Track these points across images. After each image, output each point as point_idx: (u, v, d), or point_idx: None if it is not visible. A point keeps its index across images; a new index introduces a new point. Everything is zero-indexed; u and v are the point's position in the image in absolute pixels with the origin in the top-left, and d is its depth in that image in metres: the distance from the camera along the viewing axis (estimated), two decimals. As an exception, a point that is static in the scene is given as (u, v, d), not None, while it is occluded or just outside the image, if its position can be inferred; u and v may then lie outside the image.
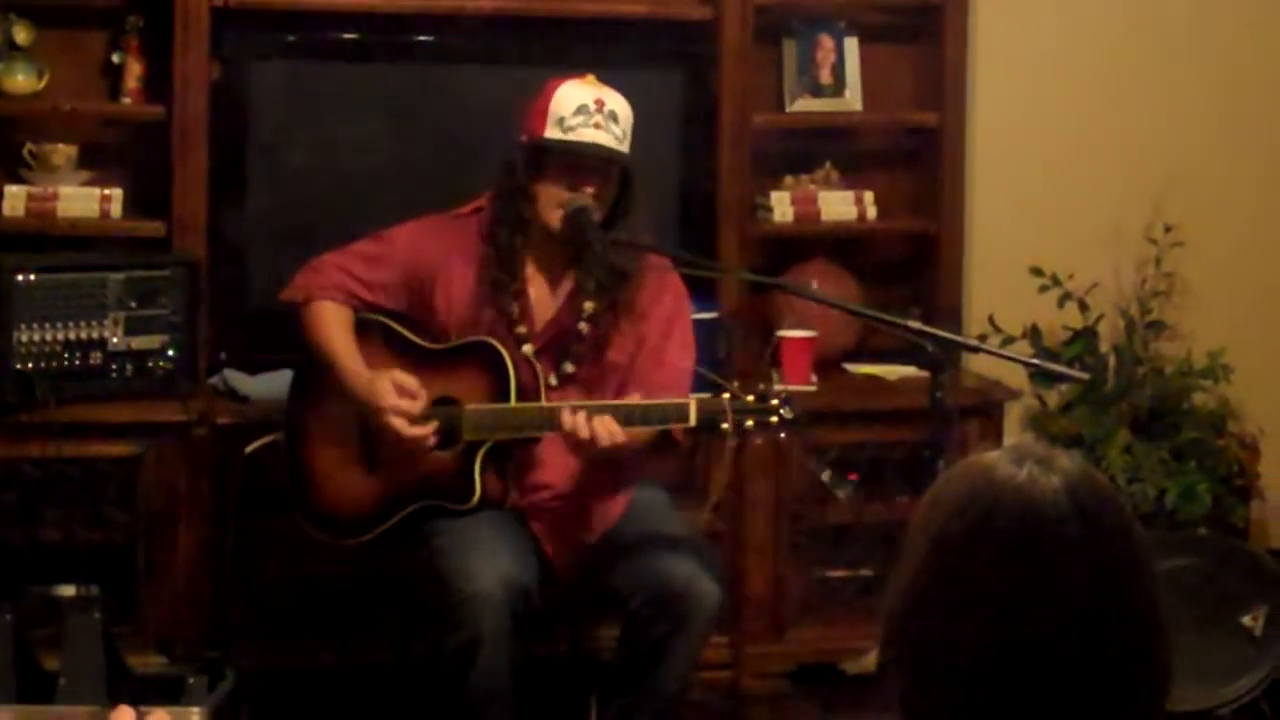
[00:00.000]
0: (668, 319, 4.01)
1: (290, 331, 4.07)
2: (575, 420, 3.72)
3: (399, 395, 3.88)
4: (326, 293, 4.01)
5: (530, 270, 3.99)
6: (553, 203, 3.89)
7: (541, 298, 4.00)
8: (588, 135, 3.86)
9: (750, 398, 3.70)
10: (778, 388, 3.75)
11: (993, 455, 1.63)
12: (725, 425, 3.69)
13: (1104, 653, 1.56)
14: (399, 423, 3.87)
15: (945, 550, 1.58)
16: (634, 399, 3.80)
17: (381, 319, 4.03)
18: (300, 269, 4.07)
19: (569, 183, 3.88)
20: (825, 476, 4.24)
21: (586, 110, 3.87)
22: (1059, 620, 1.55)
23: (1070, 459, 1.62)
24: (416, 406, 3.88)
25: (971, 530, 1.57)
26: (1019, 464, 1.60)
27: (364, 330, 4.03)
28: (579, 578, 4.00)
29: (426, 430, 3.89)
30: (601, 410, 3.76)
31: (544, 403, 3.90)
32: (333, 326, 3.99)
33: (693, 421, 3.72)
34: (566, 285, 4.01)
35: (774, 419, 3.70)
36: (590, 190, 3.88)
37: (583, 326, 3.97)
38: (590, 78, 3.94)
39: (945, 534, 1.59)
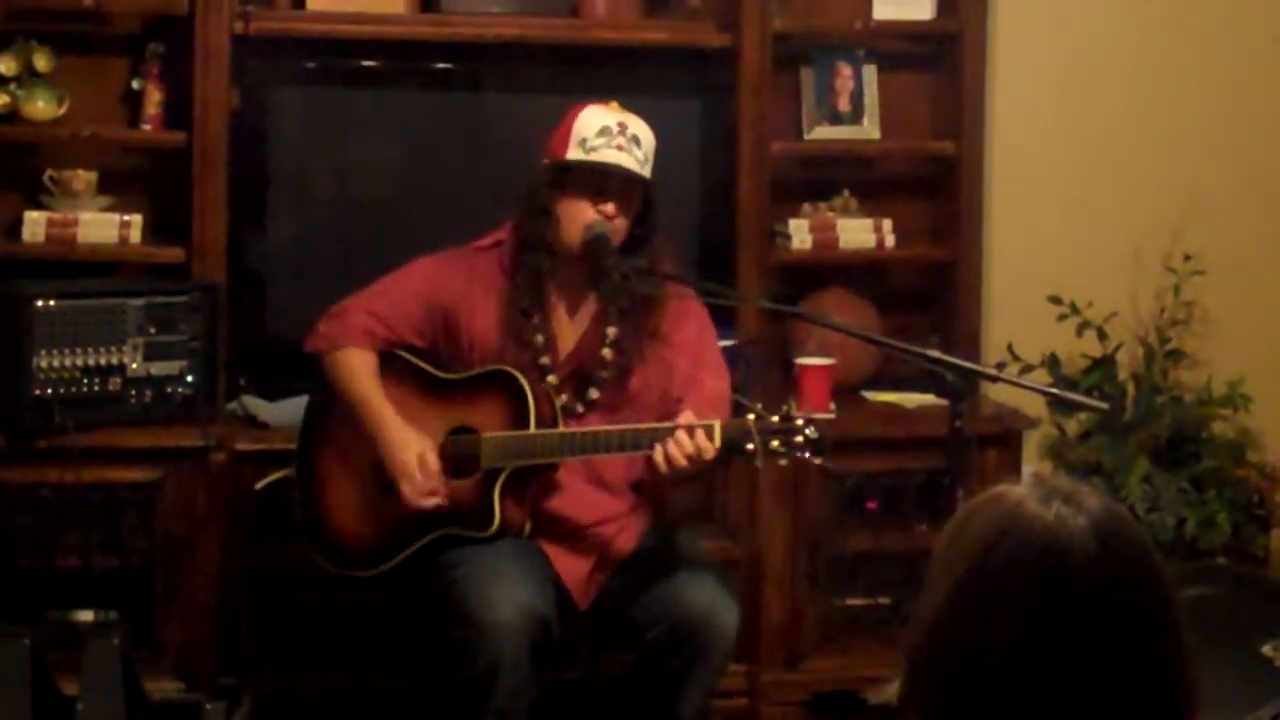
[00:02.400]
0: (695, 344, 4.00)
1: (308, 359, 4.07)
2: (681, 445, 3.69)
3: (421, 471, 3.90)
4: (351, 339, 4.01)
5: (552, 297, 3.99)
6: (574, 222, 3.90)
7: (563, 326, 4.00)
8: (610, 156, 3.88)
9: (775, 419, 3.69)
10: (803, 410, 3.73)
11: (1019, 491, 1.62)
12: (751, 446, 3.68)
13: (1128, 694, 1.55)
14: (408, 492, 3.91)
15: (971, 589, 1.58)
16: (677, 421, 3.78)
17: (400, 353, 4.03)
18: (323, 318, 4.06)
19: (590, 201, 3.89)
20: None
21: (609, 132, 3.88)
22: (1084, 661, 1.54)
23: (1096, 497, 1.61)
24: (432, 484, 3.92)
25: (998, 571, 1.57)
26: (1046, 502, 1.59)
27: (383, 364, 4.03)
28: (597, 607, 3.99)
29: (436, 503, 3.92)
30: (624, 434, 3.78)
31: (562, 428, 3.91)
32: (359, 373, 3.99)
33: (717, 443, 3.71)
34: (587, 312, 4.01)
35: (799, 439, 3.69)
36: (611, 209, 3.88)
37: (606, 353, 3.97)
38: (614, 104, 3.96)
39: (971, 572, 1.58)
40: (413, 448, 3.92)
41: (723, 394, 3.97)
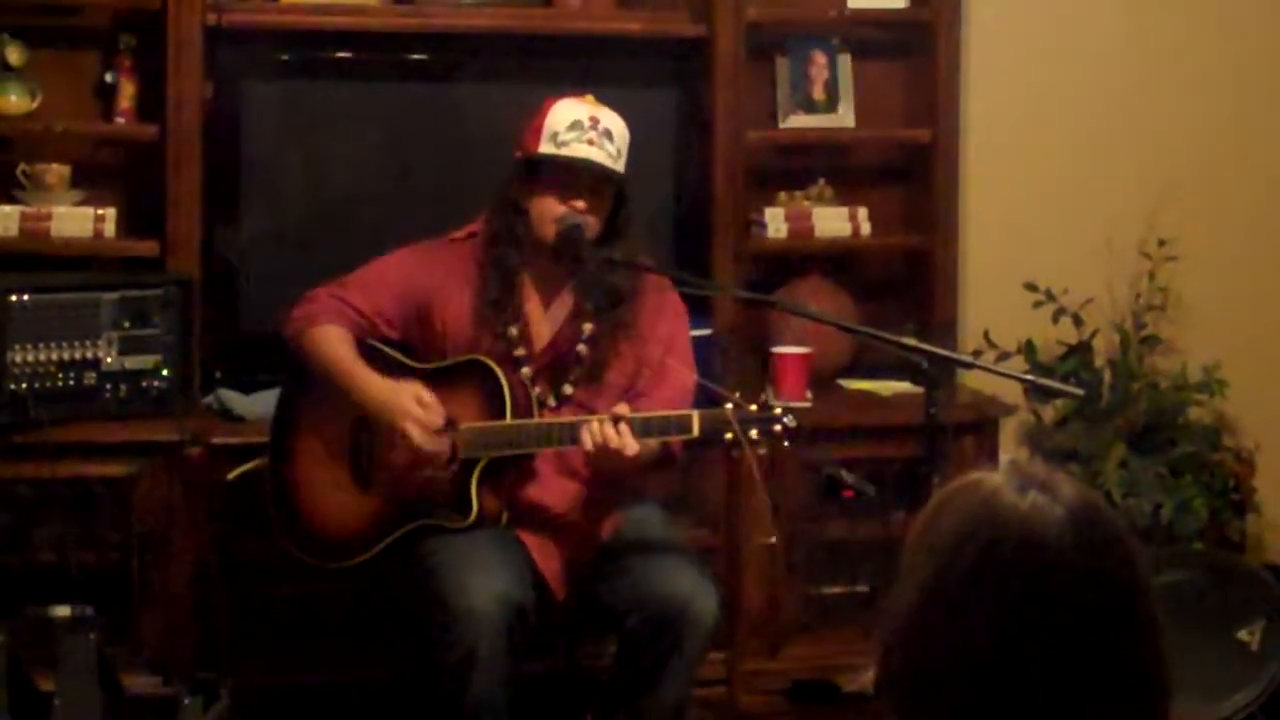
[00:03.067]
0: (668, 338, 4.01)
1: (283, 350, 4.06)
2: (591, 430, 3.71)
3: (419, 406, 3.88)
4: (326, 318, 4.00)
5: (527, 290, 3.99)
6: (546, 217, 3.90)
7: (539, 319, 4.00)
8: (580, 151, 3.87)
9: (753, 407, 3.70)
10: (779, 398, 3.75)
11: (994, 479, 1.61)
12: (729, 435, 3.69)
13: (1104, 684, 1.55)
14: (417, 432, 3.87)
15: (947, 579, 1.57)
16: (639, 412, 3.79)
17: (372, 343, 4.02)
18: (296, 304, 4.05)
19: (561, 196, 3.88)
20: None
21: (580, 126, 3.88)
22: (1059, 651, 1.54)
23: (1072, 485, 1.60)
24: (436, 419, 3.88)
25: (974, 561, 1.56)
26: (1022, 491, 1.58)
27: (358, 352, 4.02)
28: (575, 595, 3.99)
29: (443, 446, 3.89)
30: (603, 424, 3.78)
31: (539, 418, 3.91)
32: (338, 345, 3.98)
33: (696, 433, 3.72)
34: (563, 305, 4.00)
35: (778, 428, 3.69)
36: (581, 205, 3.88)
37: (581, 348, 3.97)
38: (589, 97, 3.95)
39: (947, 563, 1.57)
40: (405, 390, 3.90)
41: (688, 388, 3.97)
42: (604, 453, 3.73)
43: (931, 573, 1.58)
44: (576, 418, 3.86)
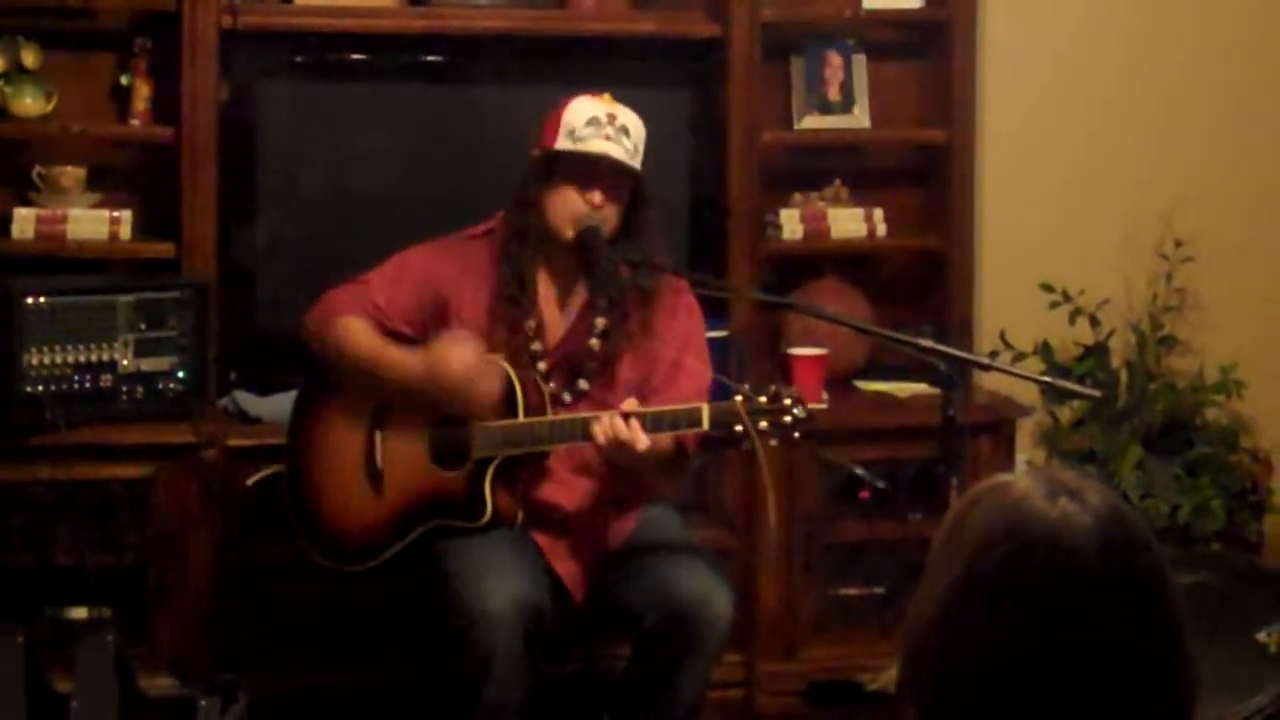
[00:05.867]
0: (683, 336, 4.01)
1: (300, 352, 4.06)
2: (602, 424, 3.70)
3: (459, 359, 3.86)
4: (347, 310, 3.99)
5: (542, 286, 3.99)
6: (564, 211, 3.90)
7: (553, 315, 4.00)
8: (597, 146, 3.87)
9: (763, 399, 3.69)
10: (789, 389, 3.73)
11: (1023, 484, 1.61)
12: (739, 428, 3.67)
13: (1130, 688, 1.55)
14: (466, 371, 3.84)
15: (972, 584, 1.57)
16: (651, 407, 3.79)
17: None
18: (314, 304, 4.04)
19: (577, 189, 3.88)
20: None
21: (598, 122, 3.88)
22: (1085, 659, 1.54)
23: (1100, 493, 1.60)
24: (471, 355, 3.86)
25: (1003, 565, 1.56)
26: (1052, 498, 1.58)
27: None
28: (591, 596, 3.99)
29: (492, 372, 3.87)
30: (613, 418, 3.78)
31: (551, 415, 3.90)
32: (362, 334, 3.96)
33: (706, 425, 3.70)
34: (578, 301, 4.01)
35: (788, 419, 3.68)
36: (597, 197, 3.87)
37: (594, 343, 3.97)
38: (607, 95, 3.95)
39: (973, 567, 1.57)
40: (436, 353, 3.87)
41: (703, 389, 3.96)
42: (615, 447, 3.71)
43: (959, 574, 1.58)
44: (587, 413, 3.85)
